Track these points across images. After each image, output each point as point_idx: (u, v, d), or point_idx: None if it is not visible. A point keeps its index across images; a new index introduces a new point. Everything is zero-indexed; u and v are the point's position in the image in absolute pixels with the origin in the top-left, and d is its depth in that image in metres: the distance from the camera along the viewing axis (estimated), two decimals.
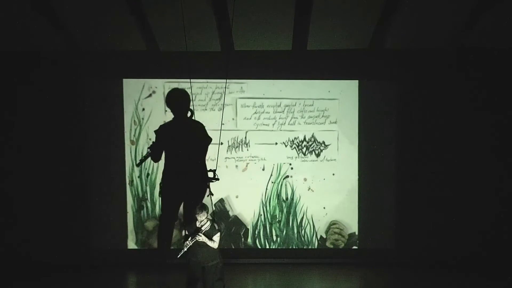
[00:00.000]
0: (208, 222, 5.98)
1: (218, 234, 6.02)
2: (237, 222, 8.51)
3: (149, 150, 7.88)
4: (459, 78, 8.31)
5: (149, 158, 7.97)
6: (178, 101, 7.80)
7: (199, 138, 7.55)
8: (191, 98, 7.37)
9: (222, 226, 8.08)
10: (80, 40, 7.94)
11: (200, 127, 7.66)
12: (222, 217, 8.44)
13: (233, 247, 8.54)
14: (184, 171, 7.39)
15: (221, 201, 8.44)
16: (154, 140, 7.95)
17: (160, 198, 7.88)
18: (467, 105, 8.34)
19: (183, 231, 6.46)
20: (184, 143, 7.38)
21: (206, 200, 7.21)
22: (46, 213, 8.36)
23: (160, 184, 7.91)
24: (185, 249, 5.93)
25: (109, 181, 8.48)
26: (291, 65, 8.35)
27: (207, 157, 8.00)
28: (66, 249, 8.37)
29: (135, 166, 8.39)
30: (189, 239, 5.92)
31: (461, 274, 7.98)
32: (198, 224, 5.96)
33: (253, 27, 7.64)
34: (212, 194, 7.02)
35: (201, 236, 5.86)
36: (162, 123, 8.23)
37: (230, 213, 8.48)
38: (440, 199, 8.42)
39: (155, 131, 7.97)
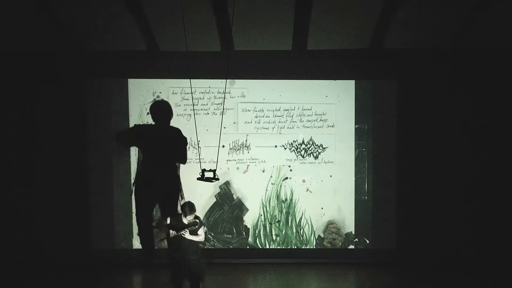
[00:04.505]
0: (196, 221, 5.93)
1: (202, 227, 6.00)
2: (240, 205, 8.13)
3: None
4: (459, 78, 7.87)
5: None
6: (161, 114, 7.11)
7: (175, 142, 6.93)
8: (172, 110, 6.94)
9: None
10: (80, 40, 7.49)
11: (177, 131, 7.03)
12: (226, 199, 8.12)
13: (233, 247, 8.15)
14: (158, 174, 6.72)
15: (227, 183, 8.10)
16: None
17: (134, 199, 7.26)
18: (467, 105, 7.89)
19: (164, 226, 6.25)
20: (162, 147, 6.76)
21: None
22: (51, 213, 7.88)
23: (133, 183, 7.28)
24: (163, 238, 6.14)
25: (114, 182, 8.06)
26: (291, 65, 7.96)
27: (209, 159, 7.62)
28: (71, 249, 7.90)
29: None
30: (173, 233, 5.90)
31: (461, 274, 7.52)
32: (185, 221, 5.90)
33: (253, 27, 7.22)
34: (183, 198, 6.65)
35: (187, 232, 5.82)
36: None
37: (234, 196, 8.13)
38: (440, 199, 7.95)
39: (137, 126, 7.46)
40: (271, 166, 8.09)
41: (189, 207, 5.87)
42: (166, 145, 6.90)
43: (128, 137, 7.17)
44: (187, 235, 5.76)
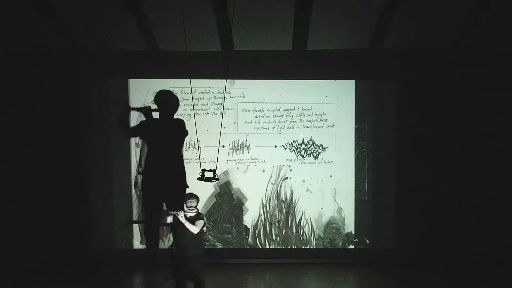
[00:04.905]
0: (195, 210, 5.83)
1: (202, 221, 5.82)
2: (240, 205, 8.12)
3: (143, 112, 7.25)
4: (458, 78, 7.83)
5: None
6: (168, 104, 7.24)
7: (178, 133, 7.14)
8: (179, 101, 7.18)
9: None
10: (80, 40, 7.47)
11: (180, 123, 7.18)
12: (226, 199, 8.11)
13: (233, 247, 8.13)
14: (164, 170, 6.90)
15: (227, 183, 8.08)
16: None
17: (141, 196, 7.43)
18: (467, 106, 7.87)
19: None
20: (166, 142, 6.97)
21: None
22: (51, 213, 7.83)
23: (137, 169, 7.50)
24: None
25: (115, 182, 8.04)
26: (291, 65, 7.91)
27: (209, 159, 7.56)
28: (71, 249, 7.85)
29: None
30: (170, 211, 5.85)
31: (461, 274, 7.48)
32: (184, 208, 5.86)
33: (253, 27, 7.24)
34: (188, 187, 6.79)
35: (180, 214, 5.69)
36: None
37: (234, 196, 8.11)
38: (439, 199, 7.93)
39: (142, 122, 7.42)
40: (271, 166, 8.06)
41: (191, 194, 5.84)
42: (171, 138, 6.94)
43: (131, 131, 7.22)
44: (182, 217, 5.64)
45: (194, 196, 5.82)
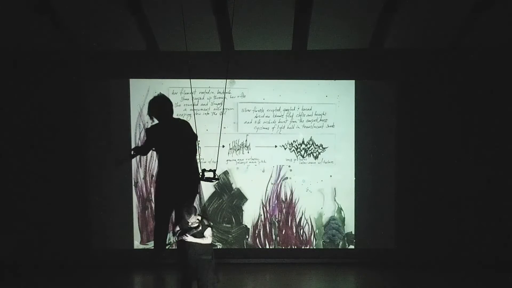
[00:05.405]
0: (198, 223, 5.55)
1: (209, 229, 5.64)
2: (239, 195, 8.12)
3: (133, 152, 7.33)
4: (458, 78, 7.83)
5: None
6: (161, 109, 7.15)
7: (187, 137, 6.98)
8: (171, 101, 7.08)
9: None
10: (80, 40, 7.46)
11: (186, 125, 7.08)
12: (225, 188, 8.10)
13: (234, 247, 8.13)
14: (177, 172, 6.78)
15: (225, 173, 8.07)
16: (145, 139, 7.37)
17: (154, 199, 7.38)
18: (467, 106, 7.87)
19: (174, 227, 6.05)
20: (175, 143, 6.86)
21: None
22: (51, 213, 7.82)
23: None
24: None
25: (115, 182, 8.05)
26: (291, 65, 7.92)
27: (209, 159, 7.50)
28: (71, 249, 7.83)
29: (139, 168, 8.04)
30: (177, 234, 5.61)
31: (461, 274, 7.45)
32: (188, 225, 5.58)
33: (253, 27, 7.23)
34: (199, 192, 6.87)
35: (188, 236, 5.49)
36: None
37: (233, 186, 8.11)
38: (440, 199, 7.92)
39: (146, 130, 7.39)
40: (271, 166, 8.04)
41: (188, 209, 5.53)
42: (175, 139, 6.91)
43: (145, 148, 7.24)
44: (191, 239, 5.45)
45: (191, 211, 5.51)
